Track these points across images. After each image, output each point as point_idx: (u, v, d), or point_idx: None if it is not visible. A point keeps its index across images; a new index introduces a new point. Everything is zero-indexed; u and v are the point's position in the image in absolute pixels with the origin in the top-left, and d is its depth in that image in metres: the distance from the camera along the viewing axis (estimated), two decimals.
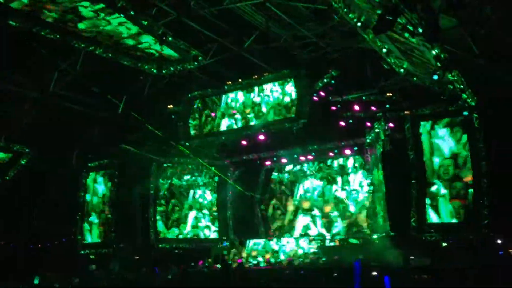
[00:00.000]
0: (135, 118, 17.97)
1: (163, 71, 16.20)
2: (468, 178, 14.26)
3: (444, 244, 14.87)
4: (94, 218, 20.07)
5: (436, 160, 14.80)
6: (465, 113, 14.29)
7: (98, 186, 20.33)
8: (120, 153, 18.87)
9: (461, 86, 12.81)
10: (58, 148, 18.96)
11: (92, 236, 20.00)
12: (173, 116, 19.39)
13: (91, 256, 19.45)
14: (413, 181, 14.88)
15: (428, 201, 14.72)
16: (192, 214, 21.11)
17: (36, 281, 13.60)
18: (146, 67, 15.67)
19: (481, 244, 14.28)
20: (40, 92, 16.55)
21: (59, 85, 16.45)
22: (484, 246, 14.52)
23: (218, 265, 17.17)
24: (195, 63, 15.61)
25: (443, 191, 14.56)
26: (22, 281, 15.09)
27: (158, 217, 20.24)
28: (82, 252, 19.79)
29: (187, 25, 14.26)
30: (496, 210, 13.87)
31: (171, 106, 19.39)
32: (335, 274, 13.38)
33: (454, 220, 14.34)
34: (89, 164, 20.46)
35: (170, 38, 13.96)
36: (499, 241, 15.23)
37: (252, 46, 15.52)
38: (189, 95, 18.98)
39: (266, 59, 17.05)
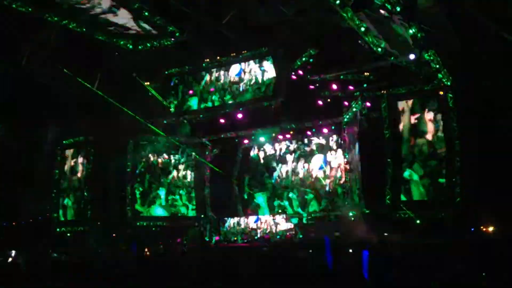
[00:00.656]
0: (111, 96, 17.66)
1: (139, 47, 15.93)
2: (442, 157, 14.52)
3: (418, 222, 15.21)
4: (69, 196, 19.80)
5: (411, 139, 15.01)
6: (440, 92, 14.46)
7: (74, 164, 20.01)
8: (96, 130, 18.56)
9: (437, 66, 12.96)
10: (32, 125, 18.58)
11: (68, 214, 19.76)
12: (149, 93, 19.11)
13: (67, 234, 19.27)
14: (388, 160, 15.08)
15: (402, 179, 14.96)
16: (169, 192, 21.05)
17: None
18: (121, 42, 15.39)
19: (453, 221, 14.65)
20: (12, 66, 16.11)
21: (31, 59, 16.02)
22: (455, 223, 14.90)
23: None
24: (172, 39, 15.38)
25: (418, 169, 14.80)
26: None
27: (134, 195, 20.12)
28: (58, 230, 19.57)
29: (164, 1, 13.98)
30: (468, 188, 14.18)
31: (148, 83, 19.09)
32: (311, 251, 13.56)
33: (427, 198, 14.63)
34: (64, 141, 20.09)
35: (146, 13, 13.70)
36: (470, 219, 15.69)
37: (230, 23, 15.31)
38: (166, 72, 18.72)
39: (245, 36, 16.88)
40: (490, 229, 15.76)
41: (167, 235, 19.77)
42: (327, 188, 20.25)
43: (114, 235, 18.93)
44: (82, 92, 18.24)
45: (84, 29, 14.40)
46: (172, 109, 18.77)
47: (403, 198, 14.95)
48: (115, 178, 20.12)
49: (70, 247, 16.76)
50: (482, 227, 15.92)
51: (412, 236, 14.95)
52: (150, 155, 20.85)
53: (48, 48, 15.56)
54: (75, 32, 14.67)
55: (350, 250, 12.97)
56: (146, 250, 16.88)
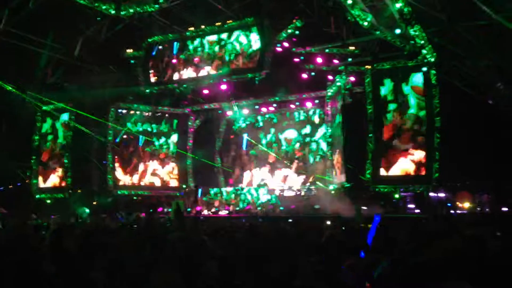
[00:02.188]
0: (92, 62, 17.32)
1: (122, 13, 15.55)
2: (422, 133, 14.69)
3: (396, 196, 15.49)
4: (50, 163, 19.57)
5: (394, 114, 15.12)
6: (424, 68, 14.51)
7: (54, 130, 19.71)
8: (76, 97, 18.25)
9: (422, 42, 12.96)
10: (11, 90, 18.16)
11: (47, 180, 19.58)
12: (132, 61, 18.79)
13: (47, 201, 19.14)
14: (370, 135, 15.19)
15: (383, 154, 15.13)
16: (151, 162, 20.99)
17: None
18: (103, 7, 14.97)
19: (430, 196, 14.97)
20: None
21: (10, 23, 15.56)
22: (433, 198, 15.24)
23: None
24: (156, 5, 15.05)
25: (398, 144, 14.97)
26: None
27: (116, 164, 20.02)
28: (38, 196, 19.42)
29: None
30: (445, 164, 14.44)
31: (130, 50, 18.75)
32: (290, 220, 13.74)
33: (407, 173, 14.85)
34: (44, 108, 19.73)
35: None
36: (445, 194, 16.07)
37: None
38: (149, 40, 18.35)
39: (230, 5, 16.61)
40: (466, 205, 16.20)
41: (148, 204, 19.80)
42: (309, 161, 20.47)
43: (94, 203, 18.87)
44: (63, 58, 17.96)
45: None
46: (154, 78, 18.49)
47: (383, 172, 15.15)
48: (96, 145, 19.95)
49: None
50: (458, 203, 16.35)
51: (391, 211, 15.29)
52: (131, 123, 20.66)
53: (27, 11, 15.09)
54: None
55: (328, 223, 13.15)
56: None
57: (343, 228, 9.05)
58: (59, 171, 19.22)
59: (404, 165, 14.93)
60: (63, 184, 18.99)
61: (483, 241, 4.40)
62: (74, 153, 18.97)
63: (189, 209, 19.54)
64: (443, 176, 14.40)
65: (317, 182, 19.54)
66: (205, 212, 18.91)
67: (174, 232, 6.09)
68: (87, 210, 16.71)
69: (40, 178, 19.69)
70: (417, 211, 15.34)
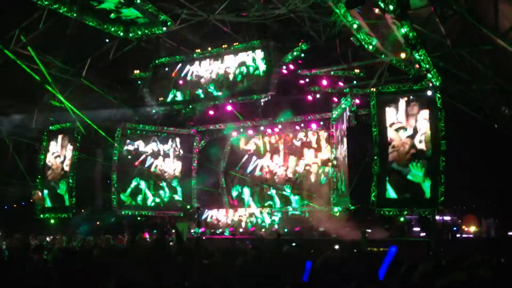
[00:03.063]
0: (100, 82, 17.49)
1: (130, 35, 15.79)
2: (428, 156, 14.65)
3: (401, 219, 15.38)
4: (54, 182, 19.60)
5: (399, 137, 15.11)
6: (429, 92, 14.56)
7: (60, 150, 19.80)
8: (83, 117, 18.41)
9: (427, 66, 13.04)
10: (18, 109, 18.35)
11: (52, 200, 19.58)
12: (139, 82, 18.99)
13: (51, 221, 19.11)
14: (375, 157, 15.16)
15: (388, 177, 15.07)
16: (156, 182, 20.96)
17: None
18: (112, 29, 15.21)
19: (435, 219, 14.85)
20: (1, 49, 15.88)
21: (20, 43, 15.81)
22: (438, 221, 15.12)
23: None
24: (164, 28, 15.27)
25: (403, 168, 14.92)
26: None
27: (120, 184, 19.99)
28: (42, 216, 19.40)
29: None
30: (451, 187, 14.38)
31: (137, 71, 18.96)
32: (293, 244, 13.63)
33: (412, 196, 14.76)
34: (51, 127, 19.87)
35: (138, 1, 13.58)
36: (451, 218, 15.96)
37: (223, 14, 15.23)
38: (157, 61, 18.59)
39: (237, 28, 16.84)
40: (472, 229, 16.07)
41: (152, 225, 19.76)
42: (313, 183, 20.39)
43: (98, 223, 18.84)
44: (71, 78, 18.16)
45: (74, 14, 14.19)
46: (161, 99, 18.64)
47: (388, 195, 15.06)
48: (101, 166, 20.00)
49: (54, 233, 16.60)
50: (464, 227, 16.23)
51: (396, 234, 15.18)
52: (137, 144, 20.73)
53: (36, 32, 15.33)
54: (65, 17, 14.49)
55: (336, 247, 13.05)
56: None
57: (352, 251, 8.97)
58: (64, 191, 19.23)
59: (409, 188, 14.86)
60: (67, 204, 18.98)
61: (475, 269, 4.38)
62: (79, 173, 19.01)
63: (196, 230, 19.47)
64: (448, 199, 14.31)
65: (322, 204, 19.46)
66: (209, 234, 18.83)
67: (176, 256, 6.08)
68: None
69: (45, 198, 19.67)
70: (422, 234, 15.22)
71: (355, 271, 4.93)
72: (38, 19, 14.93)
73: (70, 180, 19.01)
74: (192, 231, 18.90)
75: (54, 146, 19.96)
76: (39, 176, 19.83)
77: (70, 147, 19.45)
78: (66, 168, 19.36)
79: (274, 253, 8.15)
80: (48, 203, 19.57)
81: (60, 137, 19.85)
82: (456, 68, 14.07)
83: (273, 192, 21.11)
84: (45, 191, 19.63)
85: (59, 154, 19.77)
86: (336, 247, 12.36)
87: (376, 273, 4.08)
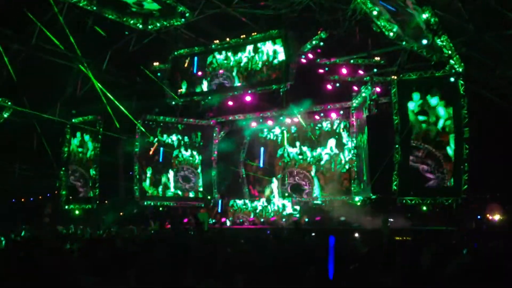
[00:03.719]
0: (121, 75, 17.65)
1: (149, 27, 15.86)
2: (451, 144, 14.44)
3: (424, 208, 15.21)
4: (78, 174, 19.98)
5: (420, 125, 14.92)
6: (452, 79, 14.30)
7: (83, 142, 20.15)
8: (105, 110, 18.64)
9: (449, 52, 12.81)
10: (42, 102, 18.65)
11: (76, 191, 19.96)
12: (159, 74, 19.11)
13: (76, 212, 19.50)
14: (396, 146, 15.01)
15: (410, 165, 14.90)
16: (176, 173, 21.16)
17: (23, 233, 13.50)
18: (131, 22, 15.30)
19: (459, 208, 14.65)
20: (22, 44, 16.14)
21: (41, 37, 16.03)
22: (462, 210, 14.90)
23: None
24: (182, 19, 15.30)
25: (426, 156, 14.74)
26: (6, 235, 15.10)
27: (142, 175, 20.24)
28: (67, 207, 19.81)
29: None
30: (475, 175, 14.16)
31: (157, 63, 19.07)
32: (313, 234, 13.64)
33: (435, 185, 14.59)
34: (74, 120, 20.20)
35: None
36: (476, 206, 15.71)
37: (241, 4, 15.17)
38: (176, 53, 18.66)
39: (255, 18, 16.76)
40: (496, 217, 15.80)
41: (174, 215, 19.98)
42: (334, 172, 20.30)
43: (121, 213, 19.13)
44: (93, 71, 18.33)
45: (94, 7, 14.32)
46: (180, 90, 18.75)
47: (410, 184, 14.91)
48: (124, 157, 20.27)
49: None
50: (488, 215, 15.96)
51: (418, 223, 15.02)
52: (158, 135, 20.93)
53: (56, 26, 15.50)
54: (85, 10, 14.63)
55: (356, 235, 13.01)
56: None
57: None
58: (88, 182, 19.58)
59: (431, 176, 14.69)
60: (91, 195, 19.34)
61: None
62: (102, 164, 19.31)
63: (213, 220, 19.62)
64: (472, 187, 14.10)
65: (343, 193, 19.40)
66: (229, 223, 18.94)
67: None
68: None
69: (69, 189, 20.07)
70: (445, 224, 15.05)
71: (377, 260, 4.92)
72: (58, 13, 15.08)
73: (93, 172, 19.35)
74: (212, 220, 19.09)
75: (77, 139, 20.29)
76: (63, 168, 20.20)
77: (92, 140, 19.76)
78: (89, 160, 19.69)
79: (294, 242, 8.18)
80: (73, 195, 19.95)
81: (82, 129, 20.16)
82: (480, 53, 13.80)
83: (293, 181, 21.09)
84: (69, 183, 20.02)
85: (82, 146, 20.11)
86: (356, 235, 12.30)
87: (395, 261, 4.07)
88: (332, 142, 20.67)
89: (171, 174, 21.02)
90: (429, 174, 14.61)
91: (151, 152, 20.49)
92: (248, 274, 4.46)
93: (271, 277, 4.17)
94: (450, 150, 14.42)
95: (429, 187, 14.61)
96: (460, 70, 14.00)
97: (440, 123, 14.62)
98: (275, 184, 21.41)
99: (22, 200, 21.84)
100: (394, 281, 3.52)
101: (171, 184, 20.94)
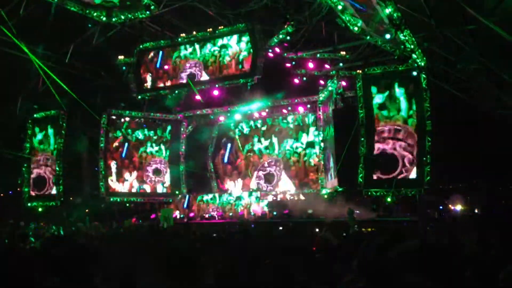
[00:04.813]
0: (83, 68, 17.23)
1: (113, 20, 15.54)
2: (414, 136, 14.78)
3: (389, 199, 15.54)
4: (41, 170, 19.44)
5: (385, 118, 15.20)
6: (414, 73, 14.61)
7: (45, 138, 19.59)
8: (68, 104, 18.20)
9: (412, 46, 13.06)
10: (2, 98, 18.07)
11: (39, 188, 19.43)
12: (123, 68, 18.77)
13: (39, 209, 19.00)
14: (362, 139, 15.25)
15: (375, 158, 15.18)
16: (144, 168, 20.91)
17: None
18: (94, 14, 14.96)
19: (422, 199, 15.03)
20: None
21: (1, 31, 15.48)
22: (425, 201, 15.30)
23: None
24: (147, 12, 15.05)
25: (389, 148, 15.05)
26: None
27: (107, 170, 19.90)
28: (29, 204, 19.27)
29: None
30: (437, 167, 14.55)
31: (122, 57, 18.73)
32: (280, 228, 13.79)
33: (399, 176, 14.91)
34: (35, 115, 19.62)
35: None
36: (437, 197, 16.17)
37: None
38: (141, 46, 18.37)
39: (222, 11, 16.65)
40: (458, 207, 16.31)
41: (141, 211, 19.78)
42: (301, 166, 20.48)
43: (87, 210, 18.78)
44: (54, 65, 17.87)
45: (55, 0, 13.93)
46: (146, 84, 18.49)
47: (375, 176, 15.20)
48: (88, 153, 19.87)
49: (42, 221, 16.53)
50: (450, 206, 16.46)
51: (383, 214, 15.35)
52: (123, 130, 20.61)
53: (18, 18, 15.02)
54: (47, 3, 14.23)
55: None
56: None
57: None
58: (51, 179, 19.08)
59: (396, 168, 15.00)
60: (55, 192, 18.86)
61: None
62: (65, 160, 18.86)
63: (182, 215, 19.52)
64: (434, 179, 14.49)
65: (310, 187, 19.61)
66: (198, 218, 18.89)
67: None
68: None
69: (31, 186, 19.53)
70: (408, 214, 15.43)
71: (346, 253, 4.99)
72: (18, 5, 14.63)
73: (57, 168, 18.87)
74: (178, 216, 19.00)
75: (40, 134, 19.74)
76: (25, 165, 19.64)
77: (55, 135, 19.25)
78: (53, 156, 19.18)
79: (262, 236, 8.23)
80: (35, 191, 19.43)
81: (45, 124, 19.62)
82: (441, 48, 14.13)
83: (261, 175, 21.17)
84: (32, 179, 19.48)
85: (44, 141, 19.57)
86: (317, 230, 12.50)
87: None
88: (299, 136, 20.84)
89: (138, 169, 20.76)
90: (393, 166, 14.92)
91: (116, 147, 20.18)
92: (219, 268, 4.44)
93: (241, 271, 4.16)
94: (413, 142, 14.76)
95: (393, 179, 14.91)
96: (423, 64, 14.33)
97: (404, 116, 14.95)
98: (242, 178, 21.49)
99: None
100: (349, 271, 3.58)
101: (138, 180, 20.68)
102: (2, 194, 21.31)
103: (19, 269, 4.30)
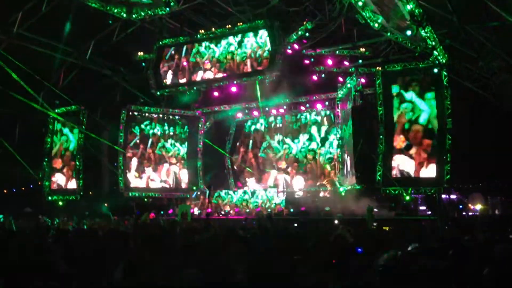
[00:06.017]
0: (104, 65, 17.38)
1: (133, 16, 15.67)
2: (434, 134, 14.57)
3: (407, 198, 15.38)
4: (61, 165, 19.73)
5: (404, 116, 15.02)
6: (435, 70, 14.40)
7: (66, 133, 19.88)
8: (89, 100, 18.42)
9: (433, 43, 12.88)
10: (24, 93, 18.34)
11: (59, 182, 19.74)
12: (143, 64, 18.91)
13: (59, 203, 19.29)
14: (381, 136, 15.10)
15: (394, 156, 15.02)
16: (162, 164, 21.07)
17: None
18: (115, 11, 15.10)
19: (441, 198, 14.84)
20: (3, 32, 15.84)
21: (23, 26, 15.75)
22: (444, 200, 15.12)
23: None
24: (167, 8, 15.12)
25: (409, 146, 14.84)
26: None
27: (127, 166, 20.09)
28: (50, 198, 19.58)
29: None
30: (457, 166, 14.34)
31: (142, 53, 18.86)
32: (295, 225, 13.77)
33: (418, 175, 14.73)
34: (57, 110, 19.89)
35: None
36: (457, 196, 15.96)
37: None
38: (160, 43, 18.45)
39: (241, 8, 16.63)
40: (478, 207, 16.07)
41: (160, 206, 19.91)
42: (319, 163, 20.41)
43: (106, 204, 18.98)
44: (75, 61, 18.11)
45: None
46: (165, 81, 18.58)
47: (393, 174, 15.03)
48: (107, 148, 20.08)
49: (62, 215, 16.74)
50: (470, 205, 16.24)
51: (401, 212, 15.19)
52: (143, 126, 20.78)
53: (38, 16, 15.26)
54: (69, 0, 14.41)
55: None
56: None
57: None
58: (71, 174, 19.37)
59: (414, 167, 14.82)
60: (75, 186, 19.14)
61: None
62: (86, 155, 19.10)
63: (199, 211, 19.61)
64: (455, 178, 14.27)
65: (327, 184, 19.52)
66: (215, 214, 18.96)
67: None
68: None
69: (52, 180, 19.84)
70: (428, 213, 15.25)
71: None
72: (40, 2, 14.85)
73: (77, 163, 19.14)
74: (196, 212, 19.09)
75: (60, 129, 20.03)
76: (46, 159, 19.95)
77: (76, 130, 19.51)
78: (73, 151, 19.46)
79: (277, 232, 8.22)
80: (56, 186, 19.73)
81: (65, 119, 19.88)
82: (463, 45, 13.92)
83: (278, 172, 21.16)
84: (53, 174, 19.79)
85: (65, 136, 19.85)
86: (336, 222, 12.44)
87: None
88: (317, 133, 20.75)
89: (156, 165, 20.92)
90: (412, 164, 14.74)
91: (135, 143, 20.37)
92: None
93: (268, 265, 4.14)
94: (433, 141, 14.56)
95: (413, 177, 14.74)
96: (444, 61, 14.11)
97: (424, 114, 14.75)
98: (259, 175, 21.50)
99: (5, 191, 21.56)
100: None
101: (156, 175, 20.85)
102: (23, 188, 21.66)
103: (42, 261, 4.39)
